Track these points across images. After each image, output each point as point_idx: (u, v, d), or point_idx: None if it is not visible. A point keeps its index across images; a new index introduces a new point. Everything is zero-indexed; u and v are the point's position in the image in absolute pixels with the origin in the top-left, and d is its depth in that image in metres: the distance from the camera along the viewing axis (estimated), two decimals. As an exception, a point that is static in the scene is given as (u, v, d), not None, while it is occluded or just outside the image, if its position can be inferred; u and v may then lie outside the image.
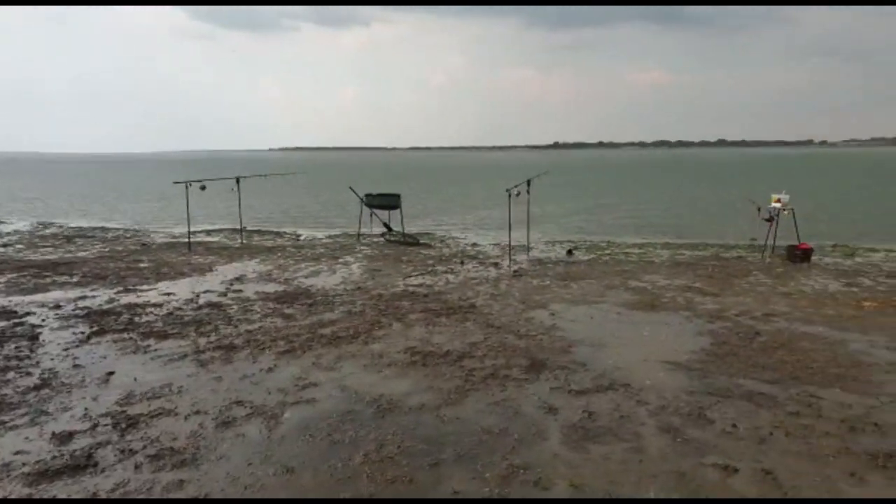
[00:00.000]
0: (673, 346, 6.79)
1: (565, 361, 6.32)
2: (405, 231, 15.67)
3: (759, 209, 12.35)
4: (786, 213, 12.03)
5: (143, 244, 15.20)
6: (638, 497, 2.85)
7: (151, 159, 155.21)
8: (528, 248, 13.62)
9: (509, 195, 12.30)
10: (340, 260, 12.62)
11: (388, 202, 15.93)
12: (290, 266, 11.90)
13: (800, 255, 11.65)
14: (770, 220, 12.19)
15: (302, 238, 16.51)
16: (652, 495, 2.93)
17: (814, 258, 11.79)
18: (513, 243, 12.95)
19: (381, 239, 15.39)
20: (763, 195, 13.11)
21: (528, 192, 12.55)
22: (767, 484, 4.00)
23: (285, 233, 17.68)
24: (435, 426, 4.87)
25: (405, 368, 6.16)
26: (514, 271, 11.22)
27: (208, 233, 17.52)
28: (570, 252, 13.33)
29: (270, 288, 9.92)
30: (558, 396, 5.44)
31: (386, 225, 15.68)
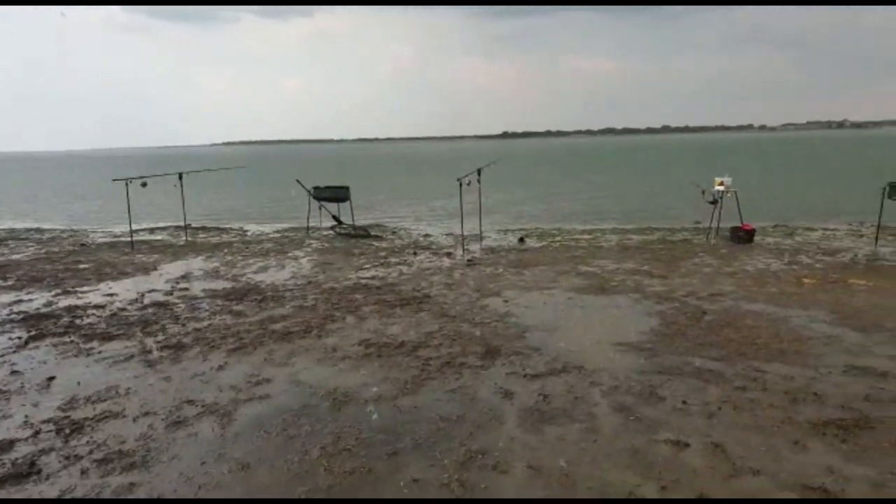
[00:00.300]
0: (624, 328, 6.92)
1: (520, 347, 6.37)
2: (355, 223, 15.53)
3: (703, 192, 12.69)
4: (729, 195, 12.39)
5: (82, 244, 14.65)
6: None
7: (89, 157, 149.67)
8: (480, 237, 13.68)
9: (460, 185, 12.31)
10: (290, 254, 12.43)
11: (337, 194, 15.74)
12: (238, 262, 11.66)
13: (743, 236, 12.02)
14: (714, 202, 12.54)
15: (249, 234, 16.19)
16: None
17: (756, 238, 12.19)
18: (465, 233, 12.99)
19: (332, 232, 15.22)
20: (707, 179, 13.48)
21: (478, 181, 12.59)
22: (717, 456, 4.12)
23: (232, 229, 17.30)
24: (392, 416, 4.85)
25: (360, 361, 6.11)
26: (468, 260, 11.26)
27: (151, 231, 17.01)
28: (521, 240, 13.45)
29: (218, 285, 9.69)
30: (514, 381, 5.48)
31: (336, 218, 15.50)
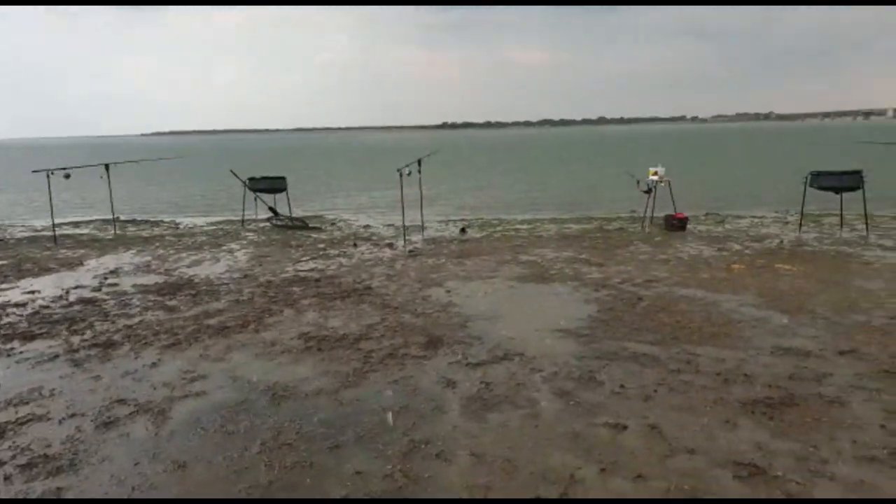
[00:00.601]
0: (563, 315, 7.04)
1: (462, 336, 6.39)
2: (293, 215, 15.24)
3: (637, 182, 13.01)
4: (662, 184, 12.74)
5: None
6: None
7: (6, 147, 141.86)
8: (422, 228, 13.65)
9: (400, 175, 12.24)
10: (224, 247, 12.11)
11: (274, 185, 15.39)
12: (171, 256, 11.27)
13: (676, 224, 12.40)
14: (648, 192, 12.87)
15: (182, 226, 15.68)
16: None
17: (689, 226, 12.59)
18: (406, 223, 12.93)
19: (268, 224, 14.90)
20: (641, 169, 13.82)
21: (419, 171, 12.55)
22: (654, 437, 4.24)
23: (163, 221, 16.72)
24: (334, 409, 4.79)
25: (300, 354, 6.01)
26: (409, 251, 11.22)
27: (76, 225, 16.26)
28: (463, 230, 13.50)
29: (150, 280, 9.35)
30: (456, 370, 5.50)
31: (272, 209, 15.16)
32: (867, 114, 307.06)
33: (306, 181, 28.19)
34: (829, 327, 6.35)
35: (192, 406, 4.91)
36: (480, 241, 12.21)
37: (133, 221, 16.58)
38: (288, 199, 15.40)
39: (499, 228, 13.85)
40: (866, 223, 12.01)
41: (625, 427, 4.39)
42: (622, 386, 5.08)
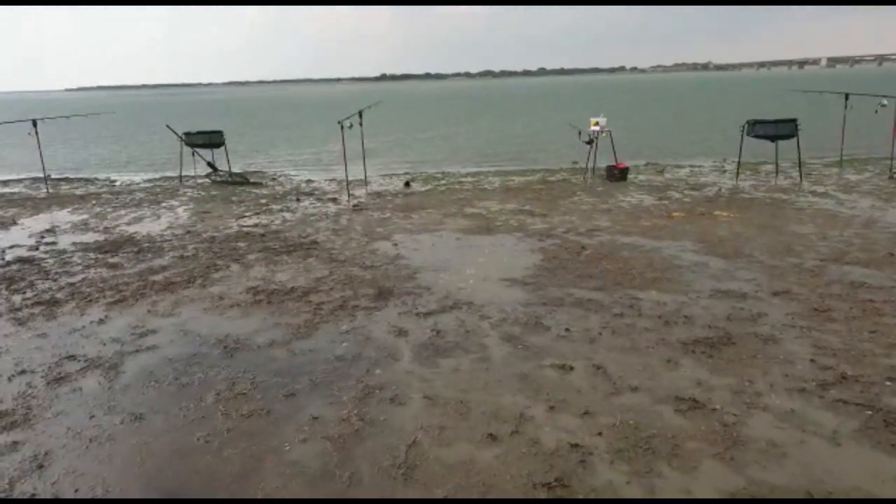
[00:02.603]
0: (510, 265, 7.16)
1: (411, 287, 6.45)
2: (232, 170, 14.83)
3: (579, 133, 13.15)
4: (604, 135, 12.92)
5: (-80, 199, 13.09)
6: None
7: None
8: (365, 182, 13.52)
9: (342, 127, 12.03)
10: (164, 204, 11.75)
11: (211, 140, 14.84)
12: (109, 214, 10.88)
13: (617, 174, 12.64)
14: (590, 142, 13.04)
15: (118, 184, 15.09)
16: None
17: (630, 176, 12.86)
18: (350, 177, 12.78)
19: (207, 180, 14.48)
20: (582, 120, 13.97)
21: (360, 124, 12.36)
22: (599, 377, 4.42)
23: (98, 179, 16.04)
24: (287, 360, 4.81)
25: (250, 308, 5.96)
26: (354, 205, 11.13)
27: (5, 184, 15.46)
28: (407, 184, 13.44)
29: (89, 238, 9.03)
30: (407, 320, 5.56)
31: (210, 164, 14.70)
32: (802, 63, 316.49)
33: (244, 136, 27.40)
34: (764, 270, 6.68)
35: (144, 360, 4.86)
36: (425, 194, 12.20)
37: (66, 179, 15.86)
38: (227, 154, 14.95)
39: (443, 182, 13.85)
40: (800, 170, 12.51)
41: (571, 368, 4.57)
42: (568, 330, 5.24)
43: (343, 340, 5.15)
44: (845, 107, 12.75)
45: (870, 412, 3.87)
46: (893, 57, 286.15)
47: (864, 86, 37.11)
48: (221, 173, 14.58)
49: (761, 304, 5.70)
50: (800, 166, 12.52)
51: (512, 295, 6.14)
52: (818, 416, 3.86)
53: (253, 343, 5.12)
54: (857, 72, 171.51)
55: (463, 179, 14.08)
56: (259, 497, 3.26)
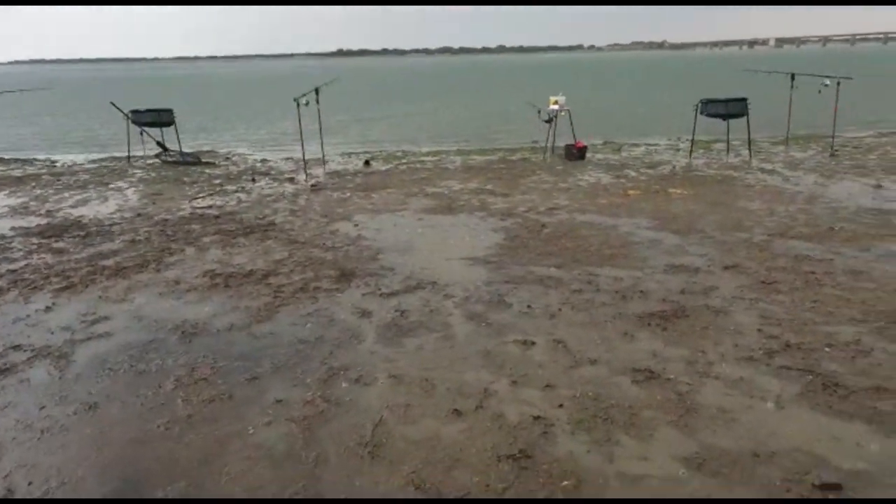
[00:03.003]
0: (472, 244, 7.21)
1: (374, 268, 6.44)
2: (183, 150, 14.45)
3: (539, 112, 13.22)
4: (563, 114, 13.02)
5: None
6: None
7: None
8: (323, 161, 13.35)
9: (298, 105, 11.83)
10: (112, 186, 11.39)
11: (160, 118, 14.37)
12: (51, 196, 10.50)
13: (576, 153, 12.77)
14: (549, 121, 13.12)
15: (59, 164, 14.51)
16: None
17: (588, 155, 12.99)
18: (307, 156, 12.61)
19: (157, 160, 14.08)
20: (541, 98, 14.03)
21: (317, 101, 12.17)
22: (560, 351, 4.52)
23: (36, 160, 15.37)
24: (248, 343, 4.76)
25: (207, 292, 5.87)
26: (312, 185, 11.00)
27: (-65, 165, 14.74)
28: (367, 163, 13.32)
29: (30, 222, 8.72)
30: (370, 301, 5.56)
31: (160, 144, 14.28)
32: (752, 43, 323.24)
33: (195, 114, 26.65)
34: (715, 245, 6.87)
35: (97, 348, 4.74)
36: (386, 173, 12.13)
37: (0, 160, 15.21)
38: (177, 133, 14.53)
39: (404, 160, 13.78)
40: (749, 148, 12.84)
41: (533, 343, 4.65)
42: (529, 306, 5.32)
43: (305, 323, 5.12)
44: (791, 87, 13.11)
45: (810, 377, 4.06)
46: (836, 38, 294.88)
47: (809, 66, 38.18)
48: (172, 153, 14.20)
49: (713, 278, 5.88)
50: (749, 144, 12.85)
51: (475, 274, 6.19)
52: (764, 383, 4.03)
53: (212, 327, 5.05)
54: (802, 52, 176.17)
55: (424, 158, 14.03)
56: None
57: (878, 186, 9.60)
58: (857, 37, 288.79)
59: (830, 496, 3.01)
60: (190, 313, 5.35)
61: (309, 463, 3.36)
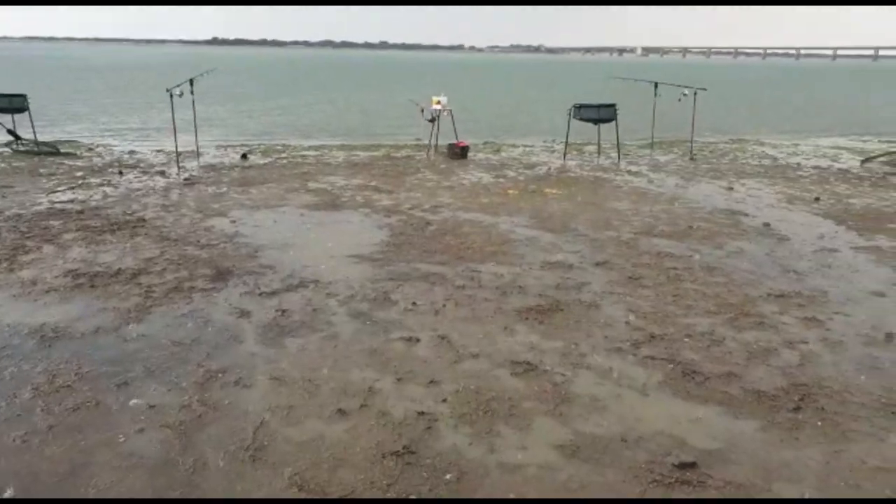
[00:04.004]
0: (356, 241, 7.17)
1: (253, 266, 6.25)
2: (39, 139, 13.29)
3: (422, 110, 13.34)
4: (445, 113, 13.21)
5: None
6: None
7: None
8: (197, 154, 12.74)
9: (171, 96, 11.24)
10: (-44, 177, 10.30)
11: (11, 104, 13.11)
12: None
13: (458, 153, 13.00)
14: (432, 120, 13.27)
15: None
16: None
17: (469, 154, 13.26)
18: (180, 149, 12.00)
19: (7, 150, 12.87)
20: (424, 96, 14.17)
21: (191, 92, 11.62)
22: (444, 346, 4.61)
23: None
24: (117, 347, 4.48)
25: (69, 293, 5.46)
26: (185, 179, 10.48)
27: None
28: (244, 156, 12.87)
29: None
30: (249, 300, 5.40)
31: (11, 132, 13.05)
32: (621, 51, 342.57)
33: (52, 100, 24.55)
34: (587, 243, 7.26)
35: (-62, 357, 4.28)
36: (265, 167, 11.79)
37: None
38: (31, 121, 13.33)
39: (284, 155, 13.45)
40: (618, 151, 13.64)
41: (417, 340, 4.71)
42: (414, 303, 5.39)
43: (180, 324, 4.89)
44: (655, 94, 14.07)
45: (672, 365, 4.40)
46: (694, 50, 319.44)
47: (671, 76, 41.05)
48: (25, 142, 13.02)
49: (585, 274, 6.22)
50: (618, 147, 13.66)
51: (359, 271, 6.17)
52: (631, 372, 4.33)
53: (75, 331, 4.71)
54: (665, 61, 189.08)
55: (305, 153, 13.76)
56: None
57: (730, 189, 10.53)
58: (713, 50, 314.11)
59: (688, 473, 3.29)
60: (50, 316, 4.95)
61: (186, 469, 3.22)
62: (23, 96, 13.16)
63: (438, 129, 13.38)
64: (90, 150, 13.70)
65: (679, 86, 13.52)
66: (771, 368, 4.39)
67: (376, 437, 3.53)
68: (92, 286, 5.61)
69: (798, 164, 13.38)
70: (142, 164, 11.85)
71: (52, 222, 7.64)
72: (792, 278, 6.19)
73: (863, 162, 13.37)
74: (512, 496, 3.12)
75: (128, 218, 7.92)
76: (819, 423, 3.74)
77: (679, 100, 13.23)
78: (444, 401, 3.91)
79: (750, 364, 4.44)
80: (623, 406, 3.91)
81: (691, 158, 13.58)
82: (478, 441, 3.53)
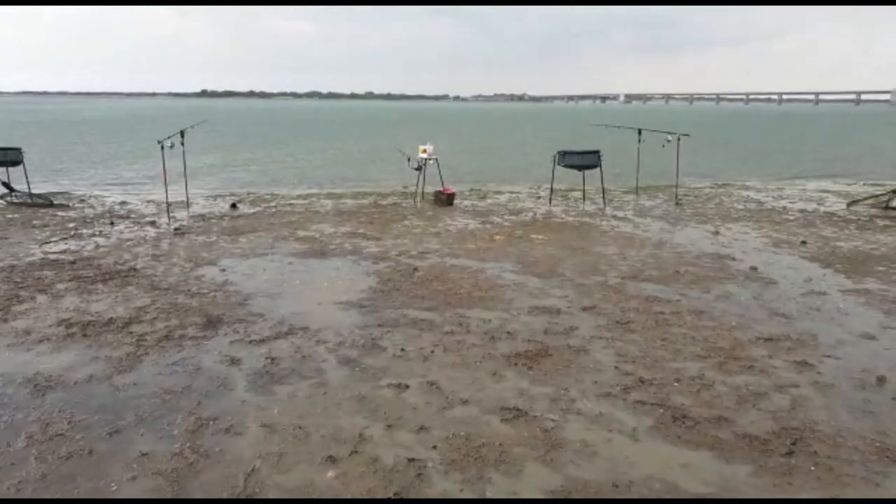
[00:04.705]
0: (344, 288, 7.26)
1: (242, 314, 6.31)
2: (32, 191, 13.40)
3: (409, 159, 13.59)
4: (431, 161, 13.47)
5: None
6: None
7: None
8: (187, 204, 12.88)
9: (162, 147, 11.42)
10: (-52, 228, 10.35)
11: (7, 157, 13.28)
12: None
13: (444, 200, 13.21)
14: (418, 168, 13.52)
15: None
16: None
17: (456, 201, 13.47)
18: (170, 199, 12.13)
19: (2, 202, 12.97)
20: (410, 145, 14.44)
21: (182, 143, 11.81)
22: (433, 393, 4.67)
23: None
24: (109, 395, 4.51)
25: (62, 342, 5.49)
26: (176, 229, 10.58)
27: None
28: (234, 206, 13.01)
29: None
30: (239, 348, 5.45)
31: (5, 184, 13.17)
32: (604, 98, 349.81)
33: (46, 154, 24.73)
34: (574, 288, 7.38)
35: (-70, 408, 4.29)
36: (254, 216, 11.92)
37: None
38: (26, 174, 13.45)
39: (272, 203, 13.60)
40: (604, 197, 13.91)
41: (407, 386, 4.77)
42: (403, 349, 5.46)
43: (171, 372, 4.93)
44: (639, 140, 14.41)
45: (662, 410, 4.47)
46: (677, 97, 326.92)
47: (654, 122, 42.02)
48: (19, 194, 13.12)
49: (573, 319, 6.32)
50: (603, 193, 13.93)
51: (348, 318, 6.24)
52: (621, 416, 4.38)
53: (68, 380, 4.74)
54: (648, 108, 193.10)
55: (294, 201, 13.91)
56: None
57: (716, 233, 10.74)
58: (695, 96, 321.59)
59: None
60: (43, 365, 4.98)
61: (178, 518, 3.24)
62: (18, 150, 13.31)
63: (425, 176, 13.61)
64: (82, 201, 13.81)
65: (662, 132, 13.88)
66: (762, 412, 4.44)
67: (367, 483, 3.57)
68: (84, 335, 5.65)
69: (784, 207, 13.67)
70: (133, 215, 11.95)
71: (45, 272, 7.69)
72: (781, 322, 6.28)
73: (849, 205, 13.68)
74: (502, 540, 3.15)
75: (119, 268, 7.98)
76: (812, 468, 3.78)
77: (663, 146, 13.57)
78: (435, 447, 3.95)
79: (740, 408, 4.49)
80: (614, 451, 3.96)
81: (677, 203, 13.85)
82: (469, 487, 3.57)
